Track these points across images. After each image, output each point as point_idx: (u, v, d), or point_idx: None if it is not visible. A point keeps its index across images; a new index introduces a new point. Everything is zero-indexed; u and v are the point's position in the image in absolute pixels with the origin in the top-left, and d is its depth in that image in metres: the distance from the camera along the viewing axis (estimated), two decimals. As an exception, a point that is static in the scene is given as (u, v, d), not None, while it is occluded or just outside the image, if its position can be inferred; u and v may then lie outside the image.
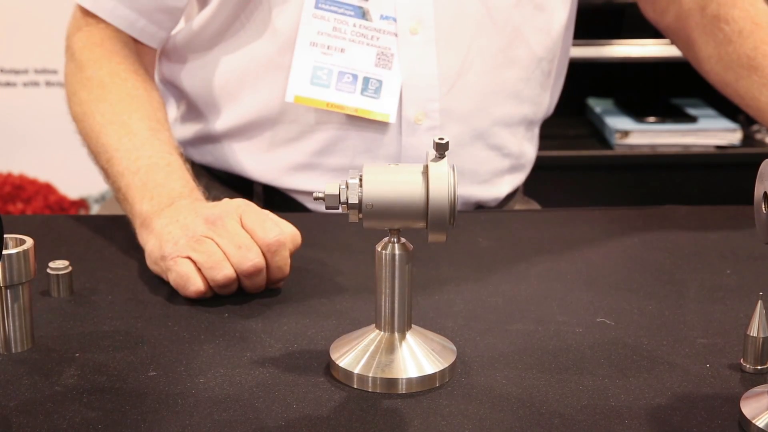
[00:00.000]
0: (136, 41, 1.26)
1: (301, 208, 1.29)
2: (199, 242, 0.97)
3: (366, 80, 1.21)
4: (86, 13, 1.25)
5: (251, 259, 0.96)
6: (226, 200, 1.04)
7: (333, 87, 1.21)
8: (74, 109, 1.22)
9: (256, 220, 0.99)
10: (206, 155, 1.34)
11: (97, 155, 1.16)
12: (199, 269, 0.96)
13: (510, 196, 1.40)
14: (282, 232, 0.98)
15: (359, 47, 1.21)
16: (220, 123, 1.30)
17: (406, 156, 1.25)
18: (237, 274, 0.96)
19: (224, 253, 0.96)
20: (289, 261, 0.99)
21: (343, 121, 1.24)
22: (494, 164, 1.32)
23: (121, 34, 1.25)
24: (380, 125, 1.24)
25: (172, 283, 0.98)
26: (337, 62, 1.21)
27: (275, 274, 0.98)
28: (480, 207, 1.35)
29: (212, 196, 1.37)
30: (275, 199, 1.30)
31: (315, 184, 1.26)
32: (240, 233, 0.98)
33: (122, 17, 1.24)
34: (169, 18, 1.27)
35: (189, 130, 1.34)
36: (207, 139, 1.33)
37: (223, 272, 0.95)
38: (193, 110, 1.34)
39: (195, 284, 0.96)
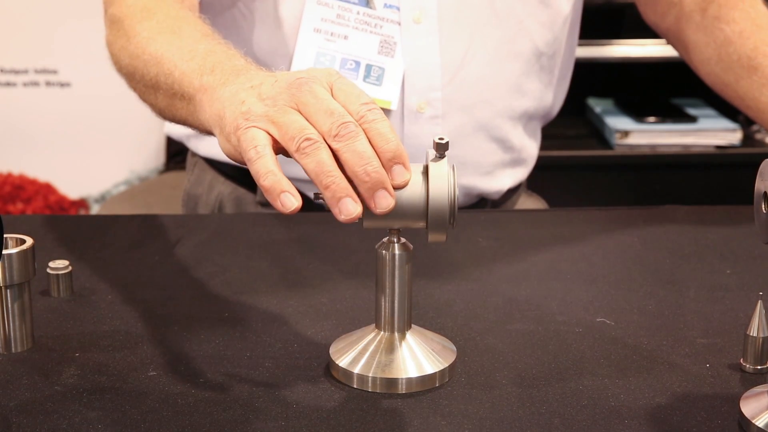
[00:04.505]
0: None
1: (303, 197, 1.29)
2: (280, 112, 0.79)
3: (368, 67, 1.22)
4: None
5: (344, 120, 0.77)
6: (311, 68, 0.93)
7: None
8: (118, 57, 1.10)
9: (349, 87, 0.81)
10: (210, 147, 1.34)
11: (144, 73, 1.02)
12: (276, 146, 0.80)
13: (513, 191, 1.40)
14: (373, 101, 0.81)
15: (363, 35, 1.22)
16: None
17: (408, 144, 1.25)
18: (329, 146, 0.78)
19: (311, 123, 0.79)
20: (392, 128, 0.79)
21: None
22: (496, 156, 1.33)
23: None
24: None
25: (235, 151, 0.82)
26: (340, 49, 1.22)
27: (379, 142, 0.77)
28: (482, 199, 1.35)
29: (216, 190, 1.37)
30: None
31: None
32: (330, 99, 0.79)
33: None
34: None
35: None
36: None
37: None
38: None
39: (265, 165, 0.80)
